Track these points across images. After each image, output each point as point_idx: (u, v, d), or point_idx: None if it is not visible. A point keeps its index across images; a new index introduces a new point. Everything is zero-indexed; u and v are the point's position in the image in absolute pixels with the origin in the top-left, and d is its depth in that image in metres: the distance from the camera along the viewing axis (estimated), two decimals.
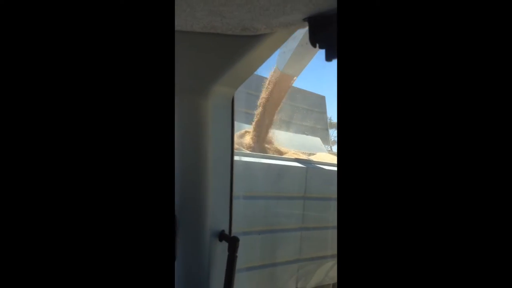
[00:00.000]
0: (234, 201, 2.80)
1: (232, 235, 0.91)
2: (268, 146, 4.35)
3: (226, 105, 0.95)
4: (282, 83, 4.25)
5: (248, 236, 2.89)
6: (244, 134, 4.36)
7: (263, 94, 4.34)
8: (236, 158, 2.98)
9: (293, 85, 4.68)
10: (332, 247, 3.52)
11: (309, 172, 3.35)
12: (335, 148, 6.48)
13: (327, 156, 4.80)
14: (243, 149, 3.93)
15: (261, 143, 4.27)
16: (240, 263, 2.81)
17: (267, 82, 4.36)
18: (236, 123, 3.89)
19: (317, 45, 0.75)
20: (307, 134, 5.55)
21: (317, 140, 5.47)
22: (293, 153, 4.37)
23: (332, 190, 3.47)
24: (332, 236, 3.51)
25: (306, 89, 6.38)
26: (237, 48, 0.80)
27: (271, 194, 3.10)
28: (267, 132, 4.41)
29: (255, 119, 4.35)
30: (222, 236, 0.88)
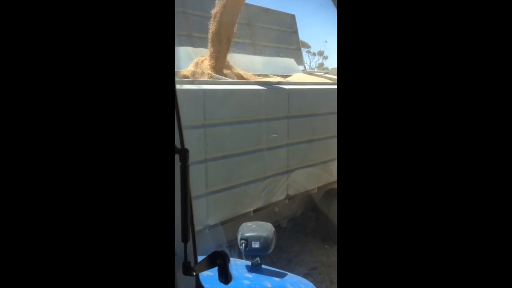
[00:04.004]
0: (223, 127, 3.04)
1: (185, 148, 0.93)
2: (228, 72, 4.20)
3: None
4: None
5: (243, 156, 3.26)
6: (203, 61, 4.14)
7: (214, 13, 4.06)
8: (213, 87, 3.13)
9: (260, 5, 4.44)
10: (315, 157, 3.99)
11: (290, 93, 3.66)
12: (307, 67, 6.63)
13: (302, 76, 5.06)
14: (219, 76, 3.93)
15: (219, 69, 4.11)
16: (238, 179, 3.20)
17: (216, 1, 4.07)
18: (192, 49, 3.85)
19: None
20: (281, 56, 5.67)
21: (291, 61, 5.63)
22: (255, 77, 4.29)
23: (313, 107, 3.83)
24: (314, 147, 3.96)
25: (275, 9, 6.33)
26: None
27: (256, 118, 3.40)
28: (225, 56, 4.21)
29: (210, 42, 4.12)
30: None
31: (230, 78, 4.09)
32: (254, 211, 3.48)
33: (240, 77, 4.29)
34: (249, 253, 1.52)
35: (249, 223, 1.59)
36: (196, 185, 2.85)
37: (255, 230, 1.53)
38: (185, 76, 3.75)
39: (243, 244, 1.50)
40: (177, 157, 0.92)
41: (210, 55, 4.15)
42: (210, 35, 4.11)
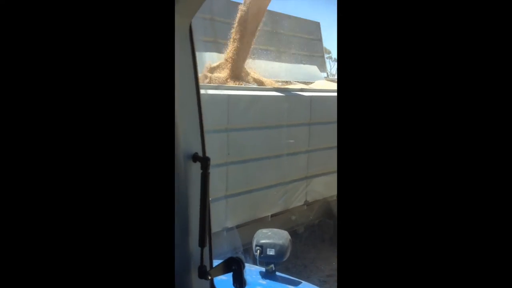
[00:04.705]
0: (251, 131, 3.08)
1: (206, 155, 0.99)
2: (247, 78, 4.24)
3: (182, 37, 0.88)
4: (256, 6, 3.98)
5: (265, 161, 3.31)
6: (221, 66, 4.17)
7: (237, 20, 4.08)
8: (237, 92, 3.18)
9: (285, 12, 4.48)
10: (335, 165, 3.95)
11: (313, 101, 3.68)
12: (331, 75, 6.63)
13: (325, 83, 5.06)
14: (247, 83, 4.00)
15: (238, 74, 4.15)
16: (258, 183, 3.22)
17: (239, 7, 4.09)
18: (208, 54, 3.92)
19: None
20: (304, 63, 5.67)
21: (314, 68, 5.63)
22: (274, 83, 4.30)
23: (335, 114, 3.81)
24: (335, 154, 3.92)
25: (299, 16, 6.35)
26: None
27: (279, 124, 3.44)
28: (243, 62, 4.24)
29: (229, 49, 4.14)
30: (195, 157, 0.97)
31: (249, 83, 4.11)
32: (272, 215, 3.51)
33: (260, 83, 4.30)
34: (264, 260, 1.52)
35: (264, 230, 1.60)
36: (217, 187, 2.92)
37: (271, 237, 1.54)
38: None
39: (258, 251, 1.51)
40: (198, 164, 0.97)
41: (228, 60, 4.17)
42: (231, 40, 4.15)
